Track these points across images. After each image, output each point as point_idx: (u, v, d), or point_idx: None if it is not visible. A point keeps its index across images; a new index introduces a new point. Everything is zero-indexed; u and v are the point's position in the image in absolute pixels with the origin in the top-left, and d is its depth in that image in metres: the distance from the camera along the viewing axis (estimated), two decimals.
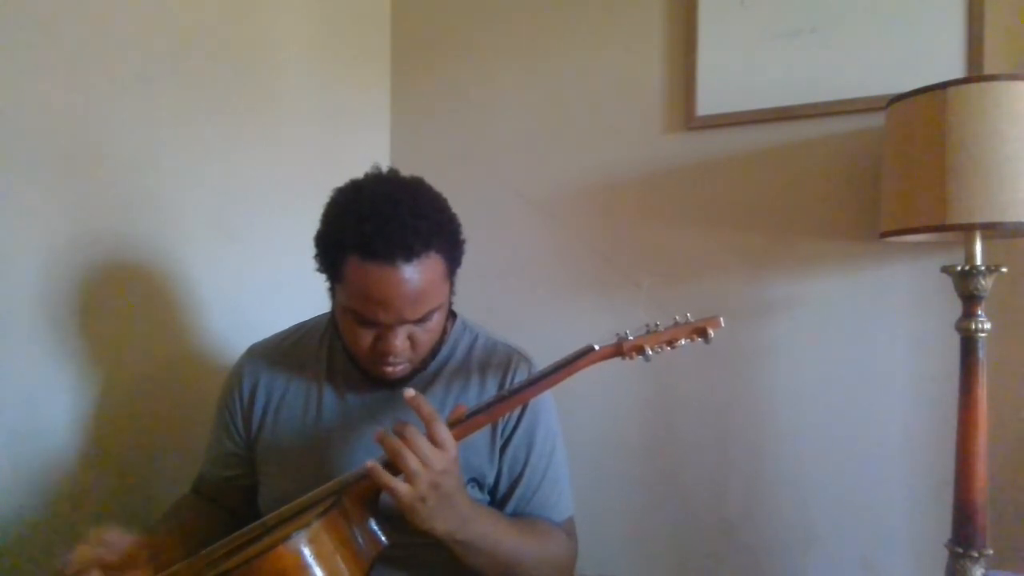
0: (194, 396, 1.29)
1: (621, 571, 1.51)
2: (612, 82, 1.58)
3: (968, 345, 1.09)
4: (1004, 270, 1.09)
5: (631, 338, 0.87)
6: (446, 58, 1.76)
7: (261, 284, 1.44)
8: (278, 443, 1.01)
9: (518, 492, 0.98)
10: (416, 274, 0.84)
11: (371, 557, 0.82)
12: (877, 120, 1.25)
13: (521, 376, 1.00)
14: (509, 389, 0.88)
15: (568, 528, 1.03)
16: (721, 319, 0.88)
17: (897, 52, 1.31)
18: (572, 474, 1.05)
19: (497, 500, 0.99)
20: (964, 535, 1.07)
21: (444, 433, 0.80)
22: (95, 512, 1.14)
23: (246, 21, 1.41)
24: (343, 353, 1.00)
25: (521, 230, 1.66)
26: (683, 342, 0.87)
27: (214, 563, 0.83)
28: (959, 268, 1.09)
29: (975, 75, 1.22)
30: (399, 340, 0.87)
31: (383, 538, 0.84)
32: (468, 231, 0.94)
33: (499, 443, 0.98)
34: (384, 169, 0.93)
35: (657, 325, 0.88)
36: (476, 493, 0.97)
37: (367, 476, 0.79)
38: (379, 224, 0.82)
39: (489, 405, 0.86)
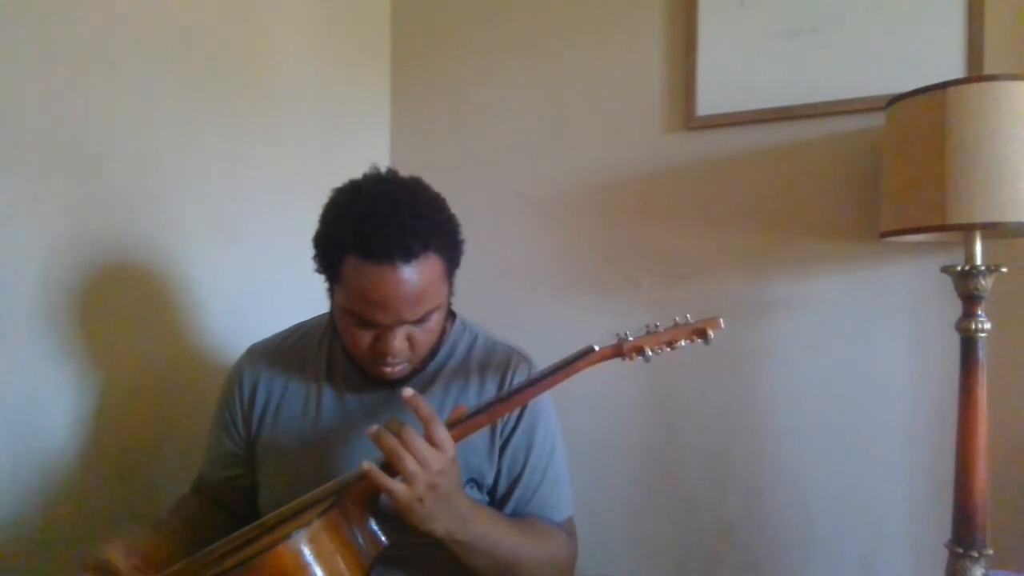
0: (194, 396, 1.29)
1: (621, 571, 1.51)
2: (612, 82, 1.57)
3: (968, 345, 1.09)
4: (1004, 270, 1.09)
5: (631, 339, 0.87)
6: (446, 58, 1.76)
7: (261, 284, 1.44)
8: (278, 443, 1.01)
9: (517, 492, 0.98)
10: (415, 275, 0.84)
11: (371, 557, 0.82)
12: (877, 120, 1.25)
13: (521, 376, 1.00)
14: (509, 390, 0.88)
15: (568, 528, 1.02)
16: (721, 320, 0.88)
17: (897, 52, 1.31)
18: (572, 474, 1.05)
19: (496, 500, 0.99)
20: (964, 535, 1.07)
21: (442, 434, 0.80)
22: (95, 512, 1.14)
23: (246, 21, 1.41)
24: (342, 353, 1.00)
25: (521, 230, 1.66)
26: (683, 343, 0.87)
27: (214, 563, 0.83)
28: (959, 268, 1.09)
29: (975, 75, 1.22)
30: (398, 341, 0.87)
31: (383, 538, 0.84)
32: (468, 231, 0.94)
33: (498, 443, 0.98)
34: (383, 169, 0.93)
35: (657, 326, 0.88)
36: (475, 493, 0.97)
37: (365, 477, 0.79)
38: (377, 225, 0.82)
39: (489, 405, 0.86)
